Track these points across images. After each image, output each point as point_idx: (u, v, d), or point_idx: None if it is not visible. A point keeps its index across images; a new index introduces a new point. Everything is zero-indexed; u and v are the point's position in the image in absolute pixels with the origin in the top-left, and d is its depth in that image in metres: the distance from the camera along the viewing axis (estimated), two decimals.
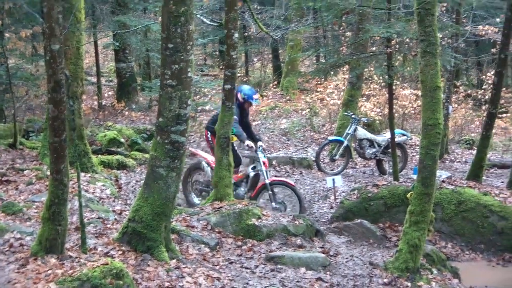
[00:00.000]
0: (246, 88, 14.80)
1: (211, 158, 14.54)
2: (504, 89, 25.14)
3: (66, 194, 9.51)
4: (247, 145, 13.92)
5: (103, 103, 25.08)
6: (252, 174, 14.26)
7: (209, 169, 14.40)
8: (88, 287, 8.82)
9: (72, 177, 10.42)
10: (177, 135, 10.27)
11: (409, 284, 10.99)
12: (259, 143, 14.36)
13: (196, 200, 14.94)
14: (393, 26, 15.45)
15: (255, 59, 38.13)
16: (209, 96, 23.48)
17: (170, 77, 10.12)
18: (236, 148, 14.74)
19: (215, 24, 18.13)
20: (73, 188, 10.94)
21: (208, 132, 14.61)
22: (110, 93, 27.68)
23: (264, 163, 13.94)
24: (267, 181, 13.81)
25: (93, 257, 9.64)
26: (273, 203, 13.92)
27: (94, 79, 27.54)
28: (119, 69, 26.29)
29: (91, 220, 11.38)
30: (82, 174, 13.56)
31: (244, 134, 14.05)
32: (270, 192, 13.92)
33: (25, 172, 14.35)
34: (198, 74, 26.08)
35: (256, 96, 14.65)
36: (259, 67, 36.76)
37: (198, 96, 22.36)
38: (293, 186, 14.33)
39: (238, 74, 28.21)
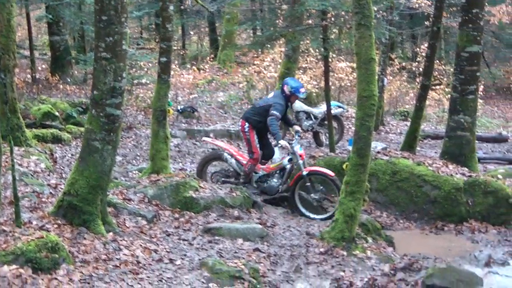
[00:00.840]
0: (292, 81, 14.12)
1: (233, 149, 14.35)
2: (437, 61, 25.47)
3: None
4: (281, 145, 13.26)
5: (37, 76, 24.62)
6: (288, 166, 13.58)
7: (233, 160, 13.86)
8: (22, 260, 8.72)
9: (5, 151, 10.27)
10: (112, 108, 10.17)
11: (344, 253, 11.12)
12: (296, 127, 14.04)
13: None
14: None
15: (192, 33, 37.94)
16: (145, 69, 23.27)
17: (105, 50, 10.01)
18: (269, 138, 14.28)
19: None
20: (7, 162, 10.78)
21: (246, 123, 13.66)
22: (44, 66, 27.27)
23: (300, 155, 13.24)
24: (304, 172, 13.13)
25: (27, 231, 9.52)
26: (312, 194, 13.43)
27: (27, 53, 26.98)
28: (53, 42, 25.89)
29: (25, 194, 11.24)
30: (16, 148, 13.36)
31: (280, 134, 13.64)
32: (308, 183, 13.31)
33: None
34: (134, 47, 25.82)
35: (303, 89, 13.96)
36: (196, 40, 36.63)
37: (134, 70, 22.12)
38: (332, 177, 13.23)
39: (175, 48, 28.13)
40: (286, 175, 13.54)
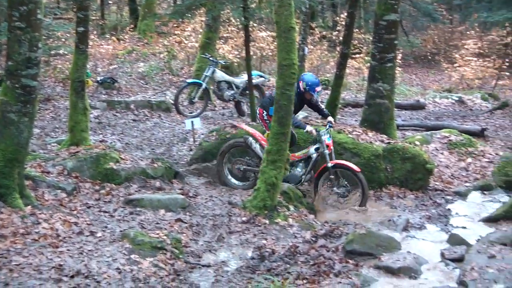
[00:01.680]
0: (309, 77, 13.31)
1: (259, 134, 13.43)
2: (356, 30, 25.69)
3: None
4: (307, 131, 12.78)
5: None
6: (314, 155, 12.97)
7: (258, 145, 13.16)
8: None
9: None
10: (28, 79, 9.98)
11: (267, 221, 11.19)
12: (329, 118, 13.33)
13: (235, 182, 13.65)
14: None
15: (111, 2, 37.40)
16: (63, 40, 22.87)
17: (19, 19, 9.79)
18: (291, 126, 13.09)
19: None
20: None
21: (264, 111, 13.13)
22: None
23: (328, 145, 12.70)
24: (330, 164, 12.66)
25: None
26: (335, 188, 13.02)
27: None
28: None
29: None
30: None
31: (302, 122, 13.27)
32: (332, 175, 12.87)
33: None
34: (51, 17, 25.30)
35: (319, 88, 13.19)
36: (115, 10, 36.15)
37: (51, 40, 21.69)
38: (358, 172, 12.76)
39: (94, 18, 27.72)
40: (311, 165, 13.09)
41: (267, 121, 12.81)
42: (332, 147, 12.81)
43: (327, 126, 13.09)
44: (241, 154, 13.60)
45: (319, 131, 12.75)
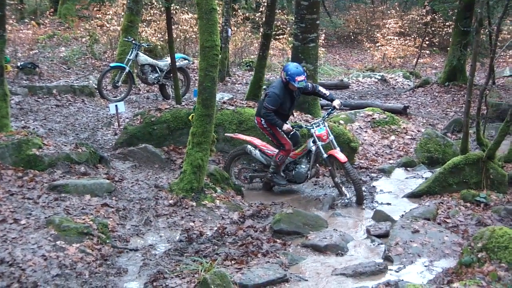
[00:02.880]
0: (290, 66, 12.15)
1: (258, 141, 13.03)
2: (279, 11, 25.79)
3: None
4: (282, 130, 12.13)
5: None
6: (313, 148, 12.40)
7: (257, 152, 12.93)
8: None
9: None
10: None
11: (194, 203, 11.22)
12: (334, 102, 12.32)
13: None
14: None
15: None
16: None
17: None
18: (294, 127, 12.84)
19: None
20: None
21: (261, 119, 12.44)
22: None
23: (319, 136, 12.06)
24: (325, 155, 12.20)
25: None
26: (335, 178, 12.47)
27: None
28: None
29: None
30: None
31: (279, 121, 12.06)
32: (330, 167, 12.41)
33: None
34: None
35: (300, 77, 11.83)
36: None
37: None
38: (344, 162, 12.08)
39: (11, 2, 27.11)
40: (313, 159, 12.61)
41: (267, 129, 12.43)
42: (328, 137, 12.19)
43: (325, 114, 12.82)
44: (248, 161, 13.69)
45: (307, 125, 12.59)
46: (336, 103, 12.27)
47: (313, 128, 12.11)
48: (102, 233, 9.77)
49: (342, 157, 11.97)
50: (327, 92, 12.50)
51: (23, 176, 11.49)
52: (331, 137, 12.24)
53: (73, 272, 8.65)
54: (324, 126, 12.17)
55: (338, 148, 12.15)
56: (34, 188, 11.15)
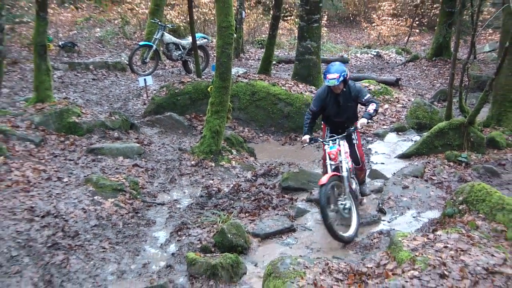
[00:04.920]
0: (330, 65, 9.07)
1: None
2: None
3: None
4: (301, 142, 9.23)
5: None
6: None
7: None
8: None
9: None
10: None
11: (213, 164, 11.28)
12: (358, 122, 8.96)
13: None
14: None
15: None
16: (26, 8, 22.36)
17: None
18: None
19: None
20: None
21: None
22: None
23: (329, 154, 8.83)
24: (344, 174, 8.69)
25: None
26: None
27: None
28: None
29: None
30: None
31: (305, 128, 9.15)
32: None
33: None
34: None
35: (331, 75, 8.76)
36: None
37: (15, 9, 21.27)
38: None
39: None
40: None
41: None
42: (336, 156, 8.81)
43: (350, 129, 9.13)
44: None
45: (323, 140, 9.19)
46: (360, 122, 8.91)
47: (327, 144, 9.01)
48: (133, 190, 9.85)
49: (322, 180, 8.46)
50: (370, 110, 8.77)
51: (65, 141, 11.56)
52: (343, 159, 8.82)
53: (108, 223, 8.74)
54: (338, 144, 8.90)
55: (346, 174, 8.71)
56: (74, 150, 11.23)
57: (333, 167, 8.74)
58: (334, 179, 8.46)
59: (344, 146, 8.91)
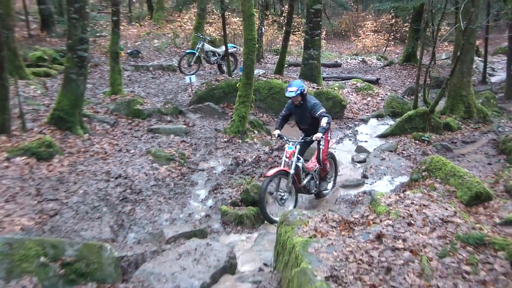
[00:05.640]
0: (293, 81, 8.33)
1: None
2: (296, 15, 25.38)
3: (7, 93, 9.03)
4: (273, 134, 8.47)
5: (32, 33, 23.41)
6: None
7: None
8: (29, 153, 8.55)
9: (12, 83, 9.90)
10: (81, 52, 9.85)
11: (240, 141, 11.27)
12: (315, 135, 7.81)
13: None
14: None
15: (135, 0, 36.39)
16: (104, 26, 22.38)
17: (74, 12, 9.63)
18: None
19: None
20: (14, 90, 10.36)
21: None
22: (35, 26, 25.82)
23: (286, 153, 8.00)
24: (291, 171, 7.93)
25: (31, 135, 9.29)
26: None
27: (24, 17, 25.55)
28: (41, 9, 24.54)
29: (28, 111, 10.86)
30: (20, 81, 12.92)
31: (277, 126, 8.43)
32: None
33: None
34: (95, 10, 24.81)
35: (291, 89, 7.93)
36: (138, 6, 35.27)
37: (96, 26, 21.30)
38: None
39: (124, 11, 27.08)
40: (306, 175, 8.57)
41: None
42: (291, 156, 7.99)
43: (302, 138, 8.37)
44: None
45: (286, 139, 8.26)
46: (315, 136, 7.81)
47: (287, 143, 8.14)
48: (181, 159, 9.89)
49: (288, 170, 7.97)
50: (324, 124, 7.75)
51: (131, 123, 11.61)
52: (294, 159, 7.98)
53: (163, 183, 8.79)
54: (295, 147, 8.02)
55: (292, 171, 7.95)
56: (138, 130, 11.28)
57: (286, 163, 7.99)
58: (280, 173, 7.79)
59: (298, 149, 8.02)
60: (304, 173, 8.24)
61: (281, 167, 7.90)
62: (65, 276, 5.21)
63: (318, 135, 7.78)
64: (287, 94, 8.00)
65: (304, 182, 8.25)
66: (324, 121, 7.81)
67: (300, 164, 8.10)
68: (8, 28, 13.50)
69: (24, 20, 24.89)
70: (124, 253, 5.90)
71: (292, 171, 7.92)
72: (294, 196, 8.19)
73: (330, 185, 9.07)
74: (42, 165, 8.48)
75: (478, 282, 4.38)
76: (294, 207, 8.02)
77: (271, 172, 7.70)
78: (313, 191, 8.48)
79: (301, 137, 8.43)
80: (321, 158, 8.39)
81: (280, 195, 7.96)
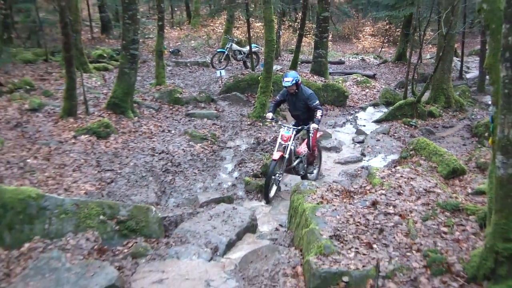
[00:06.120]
0: (289, 72, 7.64)
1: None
2: (308, 21, 25.03)
3: (75, 84, 9.15)
4: (265, 116, 8.05)
5: (94, 36, 23.51)
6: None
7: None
8: (91, 132, 8.66)
9: (78, 76, 9.99)
10: (133, 50, 9.88)
11: (261, 124, 11.18)
12: (311, 125, 7.34)
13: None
14: None
15: (176, 9, 36.25)
16: (151, 29, 22.38)
17: (128, 19, 9.66)
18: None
19: None
20: (79, 81, 10.42)
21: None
22: (97, 30, 25.87)
23: (282, 136, 7.32)
24: (286, 155, 7.36)
25: (93, 118, 9.37)
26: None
27: (88, 23, 25.70)
28: (102, 17, 24.67)
29: (90, 98, 10.94)
30: (85, 74, 13.02)
31: (270, 109, 7.67)
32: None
33: (53, 74, 13.57)
34: (145, 17, 24.83)
35: (287, 79, 7.28)
36: (179, 13, 35.13)
37: (145, 29, 21.33)
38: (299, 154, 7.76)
39: (167, 17, 26.93)
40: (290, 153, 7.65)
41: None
42: (287, 140, 7.30)
43: (299, 127, 7.59)
44: None
45: (281, 123, 7.86)
46: (312, 126, 7.32)
47: (282, 127, 7.50)
48: (213, 139, 9.88)
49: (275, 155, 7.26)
50: (318, 117, 7.26)
51: (172, 108, 11.64)
52: (290, 143, 7.34)
53: (197, 158, 8.81)
54: (291, 132, 7.34)
55: (287, 156, 7.37)
56: (178, 114, 11.30)
57: (282, 146, 7.37)
58: (282, 157, 7.29)
59: (293, 135, 7.40)
60: (294, 156, 7.66)
61: (280, 153, 7.26)
62: (120, 231, 5.29)
63: (315, 126, 7.29)
64: (283, 84, 7.39)
65: (294, 164, 7.65)
66: (318, 114, 7.32)
67: (292, 148, 7.52)
68: (76, 31, 13.64)
69: (88, 25, 25.02)
70: (166, 214, 5.95)
71: (287, 156, 7.36)
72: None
73: (315, 171, 8.30)
74: (101, 142, 8.56)
75: (453, 240, 4.41)
76: (276, 189, 7.53)
77: (277, 155, 7.19)
78: (301, 172, 7.84)
79: (292, 123, 7.90)
80: (310, 144, 7.75)
81: (278, 175, 7.47)
